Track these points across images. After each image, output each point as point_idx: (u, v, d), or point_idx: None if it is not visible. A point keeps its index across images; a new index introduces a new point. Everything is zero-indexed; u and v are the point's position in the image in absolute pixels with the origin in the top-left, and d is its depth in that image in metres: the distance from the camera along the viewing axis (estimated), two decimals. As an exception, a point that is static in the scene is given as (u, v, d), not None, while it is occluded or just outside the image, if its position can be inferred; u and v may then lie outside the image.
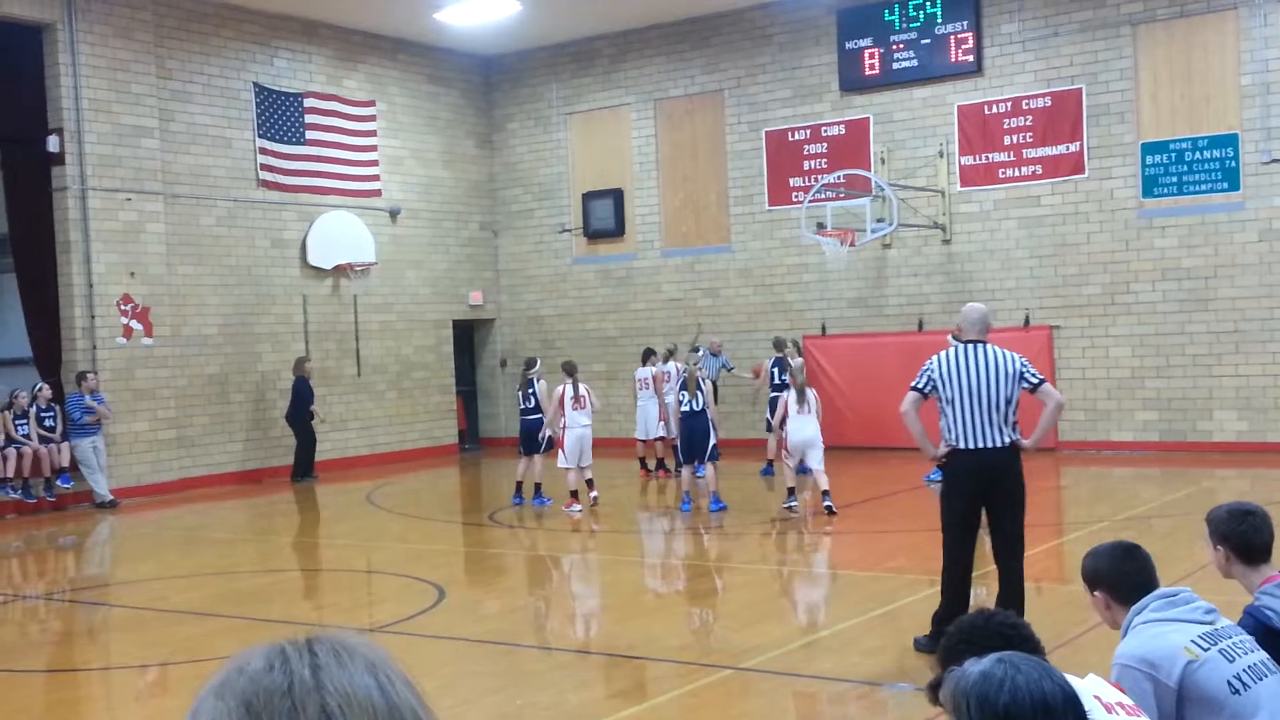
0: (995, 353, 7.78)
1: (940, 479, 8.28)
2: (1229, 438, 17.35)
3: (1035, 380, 7.76)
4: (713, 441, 14.02)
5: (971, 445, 7.70)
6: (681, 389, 14.15)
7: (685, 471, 14.56)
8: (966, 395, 7.67)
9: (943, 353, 7.94)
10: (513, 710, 7.19)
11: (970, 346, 7.81)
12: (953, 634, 3.15)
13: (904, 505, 14.68)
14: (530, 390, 15.20)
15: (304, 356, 19.25)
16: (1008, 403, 7.70)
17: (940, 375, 7.77)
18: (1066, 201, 18.37)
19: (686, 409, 14.07)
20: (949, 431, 7.78)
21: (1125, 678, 3.73)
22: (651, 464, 17.74)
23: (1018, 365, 7.76)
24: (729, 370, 18.54)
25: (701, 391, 13.99)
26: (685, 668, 7.88)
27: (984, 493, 7.79)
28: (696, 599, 10.52)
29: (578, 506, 14.53)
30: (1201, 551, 4.66)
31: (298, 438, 19.03)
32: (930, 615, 7.92)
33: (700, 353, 16.84)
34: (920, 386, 7.86)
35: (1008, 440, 7.71)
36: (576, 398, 14.64)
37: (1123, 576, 4.07)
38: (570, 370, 14.93)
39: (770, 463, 17.10)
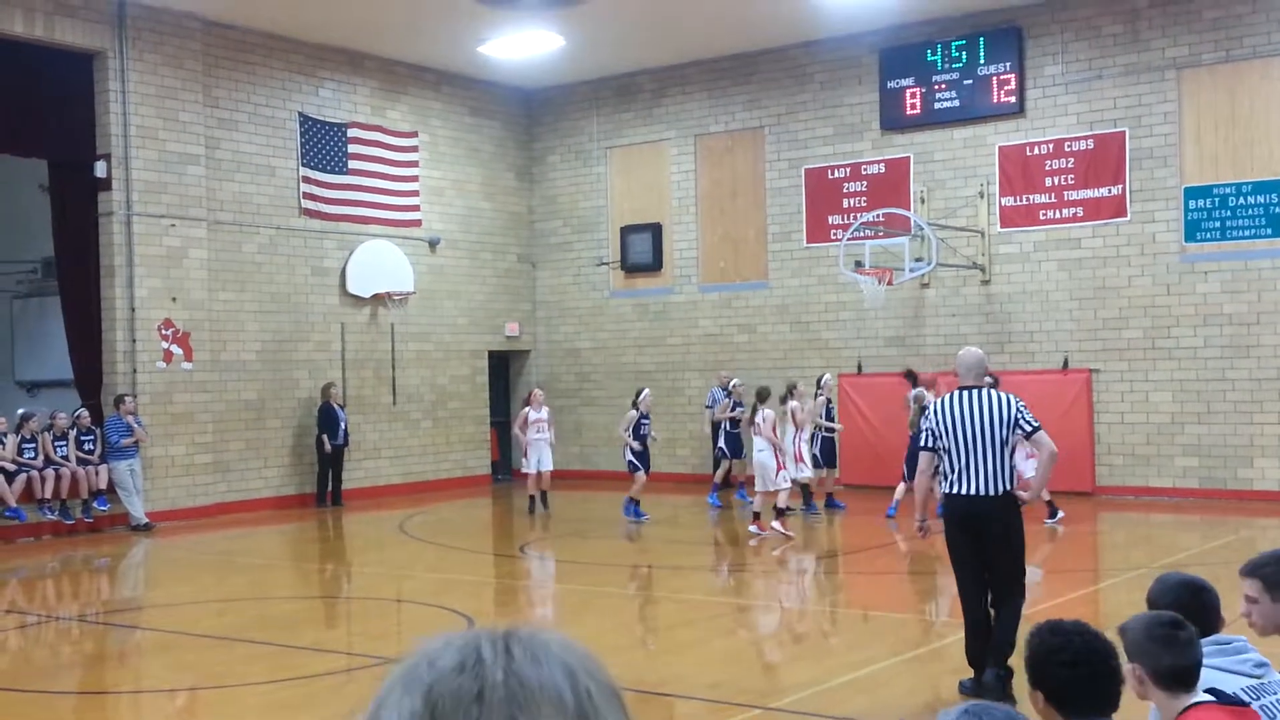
0: (992, 397, 7.73)
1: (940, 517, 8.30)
2: (1270, 486, 17.10)
3: (1030, 427, 7.68)
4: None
5: (964, 491, 7.66)
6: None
7: (901, 486, 15.92)
8: (961, 441, 7.64)
9: (939, 400, 7.92)
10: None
11: (966, 392, 7.77)
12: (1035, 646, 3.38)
13: (939, 547, 14.51)
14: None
15: (329, 383, 19.38)
16: (1004, 446, 7.62)
17: (938, 424, 7.75)
18: (1107, 244, 18.24)
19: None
20: (944, 478, 7.74)
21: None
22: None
23: (1014, 411, 7.68)
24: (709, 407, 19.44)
25: None
26: (715, 706, 7.82)
27: (978, 536, 7.70)
28: (728, 636, 10.44)
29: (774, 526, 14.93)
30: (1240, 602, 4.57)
31: (317, 464, 19.24)
32: (964, 657, 7.84)
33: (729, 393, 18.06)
34: (929, 445, 7.85)
35: (1002, 489, 7.63)
36: (768, 422, 15.26)
37: (1180, 611, 3.89)
38: (761, 397, 15.51)
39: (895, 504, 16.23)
